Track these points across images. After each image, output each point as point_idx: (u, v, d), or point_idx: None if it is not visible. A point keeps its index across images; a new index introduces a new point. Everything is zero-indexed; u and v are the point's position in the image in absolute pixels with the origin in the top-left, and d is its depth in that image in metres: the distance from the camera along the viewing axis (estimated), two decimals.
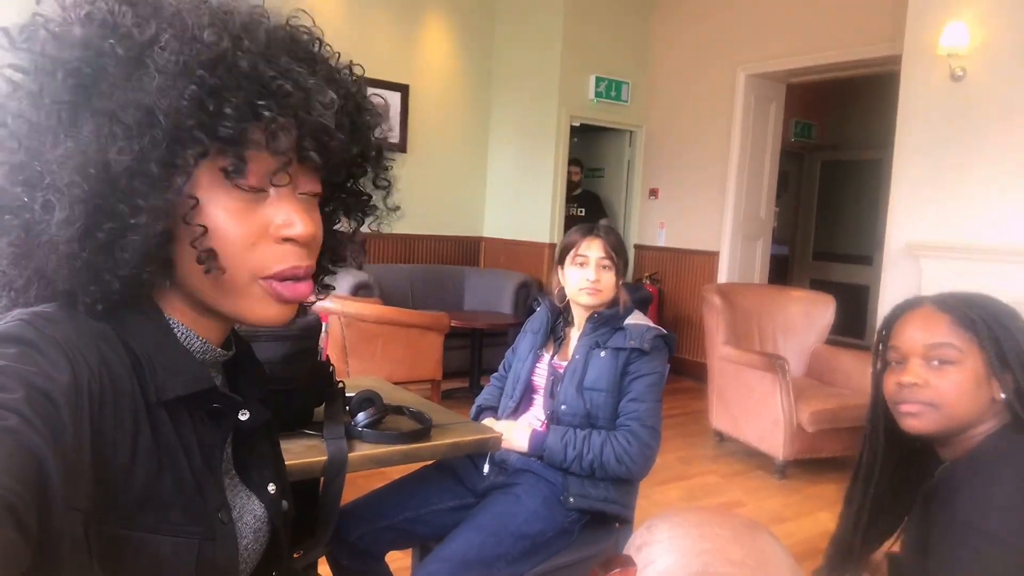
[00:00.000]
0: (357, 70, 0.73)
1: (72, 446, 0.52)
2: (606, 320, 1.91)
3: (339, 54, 0.72)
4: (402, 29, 5.89)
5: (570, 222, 6.00)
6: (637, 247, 6.55)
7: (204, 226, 0.62)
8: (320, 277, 0.82)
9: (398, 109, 5.86)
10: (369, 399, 1.60)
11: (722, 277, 5.80)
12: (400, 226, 6.03)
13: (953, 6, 4.00)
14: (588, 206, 6.17)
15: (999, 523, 1.02)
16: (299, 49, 0.66)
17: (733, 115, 5.74)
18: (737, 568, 0.91)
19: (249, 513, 0.76)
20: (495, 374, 2.17)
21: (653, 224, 6.44)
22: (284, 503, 0.82)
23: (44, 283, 0.63)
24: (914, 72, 4.23)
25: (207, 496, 0.67)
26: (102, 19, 0.59)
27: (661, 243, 6.37)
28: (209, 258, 0.62)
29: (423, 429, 1.57)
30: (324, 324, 1.61)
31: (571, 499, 1.75)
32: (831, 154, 8.43)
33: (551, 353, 1.99)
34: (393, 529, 1.77)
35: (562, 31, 5.88)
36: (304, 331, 1.54)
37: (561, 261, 1.97)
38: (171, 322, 0.68)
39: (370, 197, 0.79)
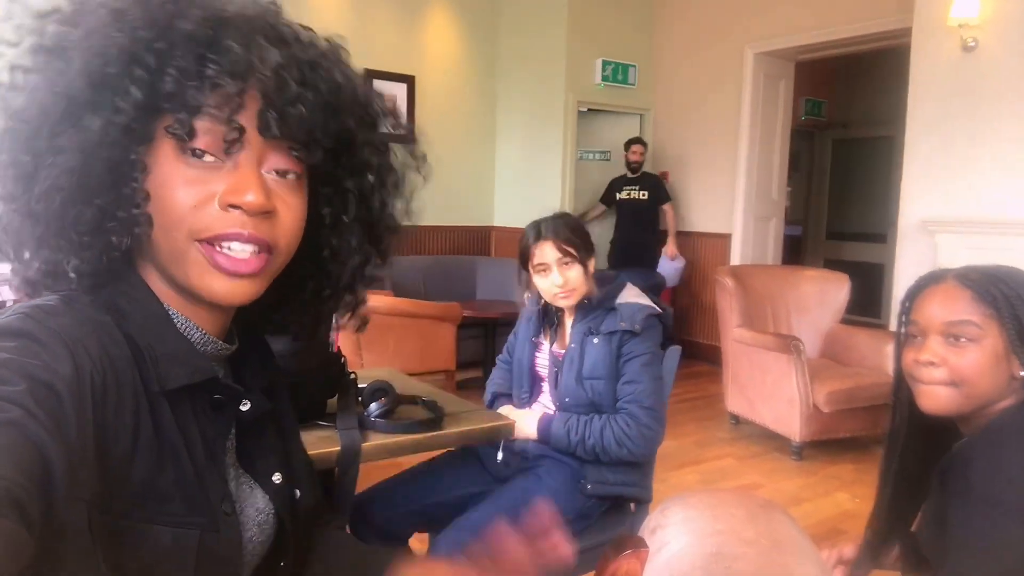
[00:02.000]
0: (346, 55, 0.72)
1: (75, 437, 0.52)
2: (597, 304, 1.87)
3: (325, 43, 0.71)
4: (406, 20, 5.86)
5: (629, 206, 5.82)
6: None
7: (145, 190, 0.62)
8: (310, 297, 0.79)
9: (404, 101, 5.84)
10: (382, 389, 1.60)
11: (735, 259, 5.77)
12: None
13: None
14: (651, 189, 5.85)
15: (1013, 494, 1.01)
16: (263, 23, 0.65)
17: (742, 95, 5.69)
18: (751, 548, 0.91)
19: (251, 506, 0.76)
20: (500, 356, 2.16)
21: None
22: (298, 492, 0.82)
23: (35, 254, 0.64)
24: (925, 44, 4.16)
25: (209, 487, 0.67)
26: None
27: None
28: (137, 219, 0.63)
29: (435, 418, 1.58)
30: (334, 315, 1.61)
31: (588, 486, 1.76)
32: (842, 132, 8.34)
33: (550, 341, 1.97)
34: (419, 513, 1.80)
35: (567, 15, 5.84)
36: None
37: (524, 266, 1.90)
38: (170, 312, 0.69)
39: (360, 192, 0.76)
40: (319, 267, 0.78)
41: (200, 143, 0.62)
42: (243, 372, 0.79)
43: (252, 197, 0.63)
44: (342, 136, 0.70)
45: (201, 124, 0.61)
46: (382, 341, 4.06)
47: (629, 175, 5.91)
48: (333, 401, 1.58)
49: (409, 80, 5.84)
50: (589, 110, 6.14)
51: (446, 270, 5.74)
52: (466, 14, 6.20)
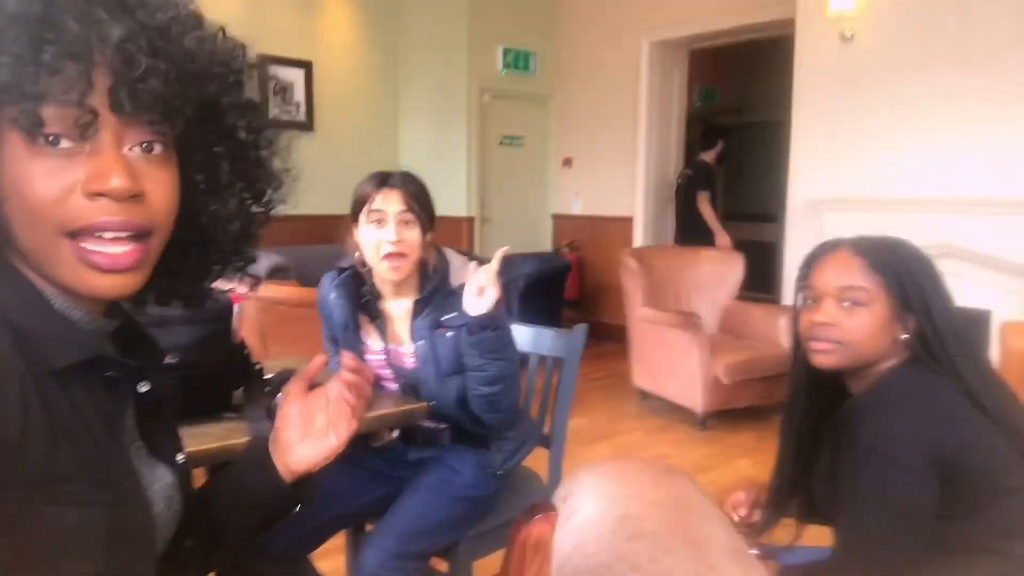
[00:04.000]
0: (199, 13, 0.68)
1: None
2: (433, 294, 1.67)
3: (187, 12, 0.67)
4: (303, 3, 5.70)
5: None
6: (554, 216, 6.63)
7: None
8: (195, 263, 0.78)
9: (302, 86, 5.69)
10: (289, 379, 1.58)
11: (637, 241, 5.94)
12: (314, 207, 5.87)
13: None
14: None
15: (895, 446, 1.11)
16: None
17: (639, 82, 5.84)
18: (657, 508, 0.95)
19: (158, 481, 0.75)
20: (326, 345, 1.90)
21: (568, 193, 6.51)
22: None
23: None
24: (807, 34, 4.39)
25: (111, 464, 0.65)
26: None
27: (577, 211, 6.46)
28: None
29: None
30: (236, 305, 1.57)
31: (499, 472, 1.77)
32: (735, 117, 8.68)
33: (377, 340, 1.75)
34: (323, 529, 1.72)
35: (467, 1, 5.83)
36: (215, 314, 1.50)
37: (355, 218, 1.67)
38: (46, 294, 0.66)
39: (233, 155, 0.74)
40: (201, 234, 0.76)
41: (52, 129, 0.58)
42: (135, 350, 0.77)
43: (117, 182, 0.59)
44: (205, 101, 0.68)
45: (49, 111, 0.57)
46: (289, 331, 3.97)
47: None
48: (239, 393, 1.55)
49: (307, 66, 5.69)
50: (492, 97, 6.15)
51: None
52: None
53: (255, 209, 0.78)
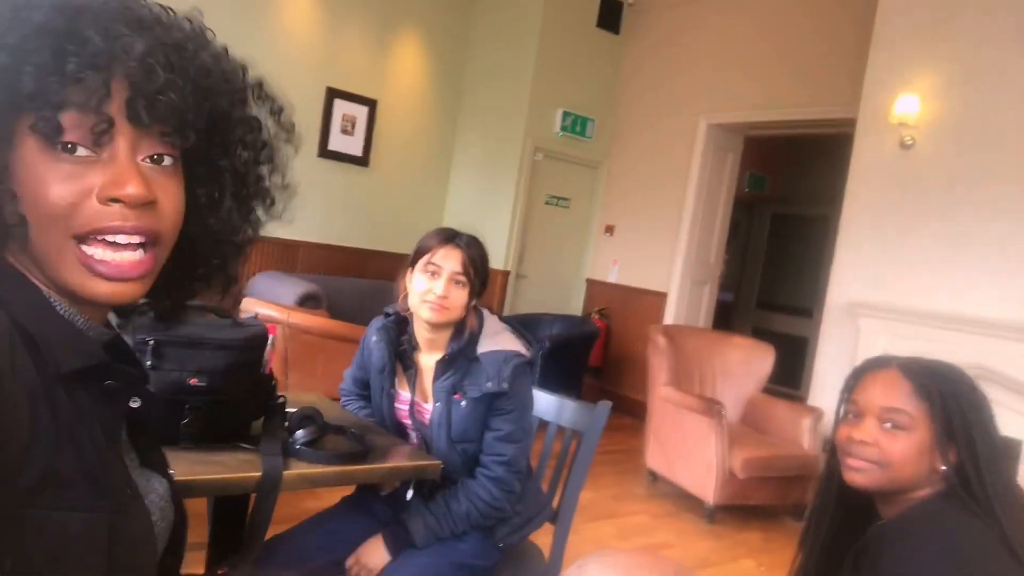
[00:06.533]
0: (210, 34, 0.72)
1: None
2: (456, 356, 1.70)
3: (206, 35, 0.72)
4: (375, 44, 5.89)
5: None
6: (589, 281, 6.63)
7: (11, 191, 0.60)
8: (179, 277, 0.79)
9: (364, 122, 5.84)
10: (310, 416, 1.58)
11: (668, 318, 5.90)
12: (355, 239, 5.98)
13: (908, 78, 4.19)
14: None
15: None
16: (119, 7, 0.64)
17: (692, 161, 5.88)
18: None
19: (152, 492, 0.75)
20: (351, 372, 1.96)
21: (606, 260, 6.52)
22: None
23: None
24: (867, 137, 4.40)
25: (112, 471, 0.65)
26: None
27: (612, 279, 6.45)
28: (12, 224, 0.61)
29: (362, 451, 1.55)
30: (271, 336, 1.58)
31: (500, 544, 1.74)
32: (781, 207, 8.69)
33: (409, 390, 1.79)
34: (320, 571, 1.69)
35: (534, 63, 5.96)
36: (249, 342, 1.51)
37: (413, 264, 1.72)
38: (51, 300, 0.67)
39: (235, 169, 0.76)
40: (190, 248, 0.76)
41: (69, 137, 0.60)
42: (120, 361, 0.77)
43: (133, 189, 0.62)
44: (215, 116, 0.71)
45: (68, 118, 0.60)
46: (311, 362, 3.99)
47: None
48: (257, 424, 1.55)
49: (371, 103, 5.84)
50: (545, 156, 6.24)
51: (385, 296, 5.65)
52: (436, 46, 6.27)
53: (249, 230, 0.80)
